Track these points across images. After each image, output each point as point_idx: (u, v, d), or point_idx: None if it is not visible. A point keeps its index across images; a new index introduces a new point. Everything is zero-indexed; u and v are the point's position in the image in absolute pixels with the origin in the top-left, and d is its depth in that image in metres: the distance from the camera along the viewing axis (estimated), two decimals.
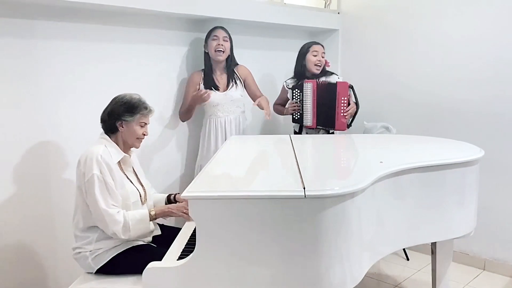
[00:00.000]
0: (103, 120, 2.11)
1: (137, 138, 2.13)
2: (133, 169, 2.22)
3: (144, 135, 2.15)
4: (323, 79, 3.12)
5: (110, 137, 2.10)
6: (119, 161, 2.08)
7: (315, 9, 3.77)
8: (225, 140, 2.96)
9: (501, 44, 2.99)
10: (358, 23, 3.73)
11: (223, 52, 2.93)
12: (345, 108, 2.99)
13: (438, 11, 3.26)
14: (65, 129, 2.48)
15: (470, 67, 3.14)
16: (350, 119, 3.09)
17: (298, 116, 3.13)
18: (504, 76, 3.00)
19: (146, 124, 2.15)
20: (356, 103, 3.08)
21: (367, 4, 3.67)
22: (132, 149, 2.22)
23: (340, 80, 3.13)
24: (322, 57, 3.16)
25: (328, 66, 3.26)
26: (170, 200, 2.36)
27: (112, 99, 2.12)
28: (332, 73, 3.21)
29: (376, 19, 3.61)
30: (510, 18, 2.95)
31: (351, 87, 3.04)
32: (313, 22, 3.64)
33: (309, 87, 3.07)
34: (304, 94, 3.08)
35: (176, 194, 2.38)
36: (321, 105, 3.05)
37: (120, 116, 2.07)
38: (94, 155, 1.97)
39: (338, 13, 3.84)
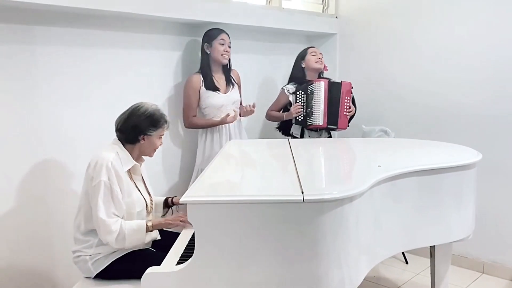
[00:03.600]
0: (124, 131, 2.08)
1: (154, 149, 2.15)
2: (142, 178, 2.22)
3: (160, 145, 2.16)
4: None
5: (124, 146, 2.09)
6: (129, 169, 2.08)
7: (313, 14, 3.78)
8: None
9: (500, 46, 3.00)
10: (356, 27, 3.74)
11: (228, 57, 2.96)
12: (347, 107, 3.08)
13: (436, 14, 3.27)
14: (63, 134, 2.48)
15: (467, 70, 3.15)
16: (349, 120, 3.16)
17: (302, 118, 3.12)
18: (501, 79, 3.01)
19: (163, 135, 2.16)
20: (354, 105, 3.17)
21: (365, 8, 3.68)
22: (143, 157, 2.21)
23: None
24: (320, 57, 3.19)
25: (326, 70, 3.27)
26: (167, 203, 2.36)
27: (133, 110, 2.08)
28: None
29: (373, 23, 3.63)
30: (508, 20, 2.96)
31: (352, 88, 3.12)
32: (311, 27, 3.65)
33: (321, 86, 3.07)
34: (315, 93, 3.07)
35: (173, 197, 2.38)
36: (330, 104, 3.08)
37: (144, 131, 2.06)
38: (104, 161, 1.97)
39: (336, 17, 3.85)
